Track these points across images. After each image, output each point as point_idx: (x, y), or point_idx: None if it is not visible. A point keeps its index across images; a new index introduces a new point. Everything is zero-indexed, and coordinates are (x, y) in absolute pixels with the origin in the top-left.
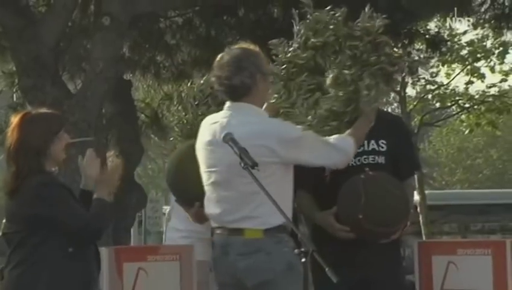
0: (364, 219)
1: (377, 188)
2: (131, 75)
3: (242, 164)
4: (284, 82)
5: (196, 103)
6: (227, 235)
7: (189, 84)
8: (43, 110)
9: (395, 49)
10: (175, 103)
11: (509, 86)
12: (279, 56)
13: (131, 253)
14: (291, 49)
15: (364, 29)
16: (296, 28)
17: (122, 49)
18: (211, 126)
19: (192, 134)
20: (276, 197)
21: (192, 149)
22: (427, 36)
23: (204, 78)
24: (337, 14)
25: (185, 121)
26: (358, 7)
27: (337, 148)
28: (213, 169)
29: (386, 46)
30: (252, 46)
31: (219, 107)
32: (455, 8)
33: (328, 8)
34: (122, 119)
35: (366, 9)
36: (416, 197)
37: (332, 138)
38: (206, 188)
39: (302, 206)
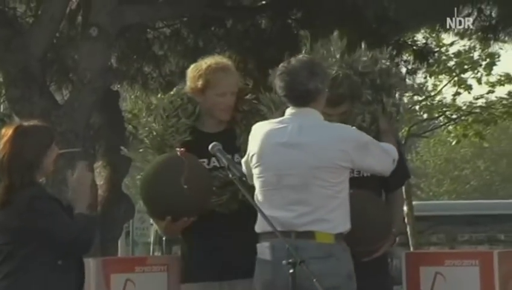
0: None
1: (355, 208)
2: (119, 85)
3: (230, 175)
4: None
5: (166, 114)
6: (294, 238)
7: (158, 95)
8: (36, 122)
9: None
10: (144, 114)
11: (496, 97)
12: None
13: (119, 264)
14: None
15: (373, 57)
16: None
17: (110, 59)
18: (278, 130)
19: (162, 146)
20: (346, 203)
21: (167, 161)
22: (414, 47)
23: (175, 89)
24: (338, 45)
25: (155, 133)
26: (345, 19)
27: (388, 153)
28: (287, 172)
29: (397, 74)
30: (225, 60)
31: (189, 119)
32: (441, 19)
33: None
34: (109, 130)
35: (362, 44)
36: (404, 207)
37: (383, 144)
38: (271, 192)
39: None
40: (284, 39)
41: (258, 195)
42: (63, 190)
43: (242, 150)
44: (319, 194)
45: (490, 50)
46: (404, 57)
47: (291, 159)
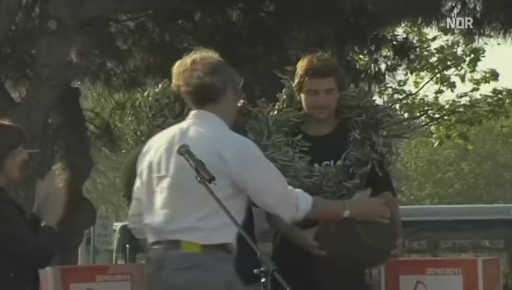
0: (328, 256)
1: (348, 233)
2: (79, 82)
3: (198, 178)
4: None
5: (152, 113)
6: (164, 249)
7: (145, 93)
8: (4, 121)
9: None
10: (128, 112)
11: (480, 95)
12: (269, 114)
13: (79, 273)
14: (276, 107)
15: (361, 91)
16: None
17: (70, 55)
18: (168, 132)
19: None
20: (222, 214)
21: None
22: (394, 42)
23: (160, 86)
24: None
25: (140, 133)
26: (321, 12)
27: (290, 194)
28: (164, 174)
29: (384, 108)
30: (211, 53)
31: (177, 119)
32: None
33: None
34: (69, 130)
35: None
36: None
37: (295, 188)
38: (150, 196)
39: (280, 224)
40: (256, 33)
41: (142, 201)
42: (19, 193)
43: None
44: (190, 199)
45: (474, 45)
46: (384, 53)
47: (170, 161)
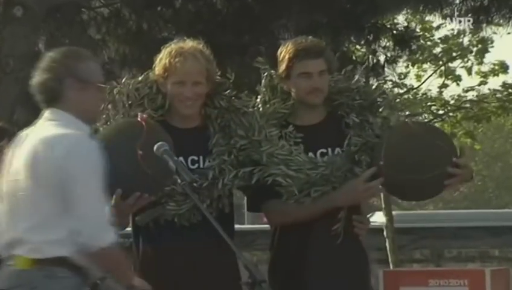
0: (385, 165)
1: (404, 134)
2: None
3: (179, 180)
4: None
5: (130, 102)
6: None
7: (123, 80)
8: None
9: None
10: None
11: (489, 89)
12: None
13: None
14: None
15: (347, 73)
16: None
17: (37, 44)
18: (22, 132)
19: None
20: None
21: (122, 125)
22: (394, 32)
23: (143, 75)
24: None
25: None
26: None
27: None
28: (8, 178)
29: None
30: (194, 44)
31: (157, 112)
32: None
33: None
34: None
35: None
36: (382, 219)
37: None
38: None
39: (295, 210)
40: (243, 21)
41: None
42: None
43: (215, 153)
44: (22, 207)
45: (482, 35)
46: (383, 43)
47: (13, 164)
